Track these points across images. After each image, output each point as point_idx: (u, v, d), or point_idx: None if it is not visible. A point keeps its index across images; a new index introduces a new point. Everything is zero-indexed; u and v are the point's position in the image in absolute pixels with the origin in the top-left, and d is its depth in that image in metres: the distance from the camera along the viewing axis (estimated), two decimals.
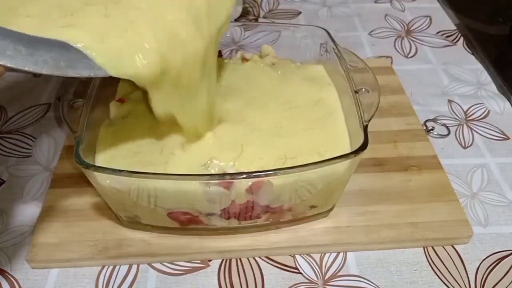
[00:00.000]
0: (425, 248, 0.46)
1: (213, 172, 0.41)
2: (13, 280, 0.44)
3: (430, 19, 0.78)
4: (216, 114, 0.44)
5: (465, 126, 0.59)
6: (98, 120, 0.46)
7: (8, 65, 0.28)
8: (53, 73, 0.30)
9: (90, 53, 0.31)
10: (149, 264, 0.45)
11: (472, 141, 0.57)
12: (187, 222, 0.44)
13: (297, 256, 0.45)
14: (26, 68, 0.29)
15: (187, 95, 0.39)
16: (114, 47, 0.32)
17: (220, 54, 0.57)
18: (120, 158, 0.43)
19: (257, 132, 0.44)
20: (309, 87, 0.51)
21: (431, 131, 0.57)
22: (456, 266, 0.45)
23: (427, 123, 0.58)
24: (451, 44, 0.73)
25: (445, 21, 0.78)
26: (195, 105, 0.40)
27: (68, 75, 0.31)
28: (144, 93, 0.38)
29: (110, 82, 0.51)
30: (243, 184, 0.39)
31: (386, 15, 0.80)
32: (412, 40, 0.74)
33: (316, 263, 0.45)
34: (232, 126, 0.44)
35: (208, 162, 0.41)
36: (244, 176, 0.38)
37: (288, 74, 0.52)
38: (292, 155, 0.42)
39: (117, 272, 0.44)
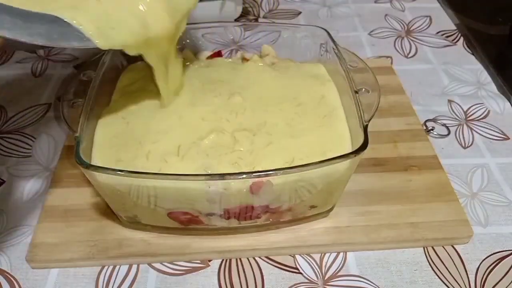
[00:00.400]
0: (425, 248, 0.46)
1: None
2: (13, 280, 0.44)
3: (430, 19, 0.78)
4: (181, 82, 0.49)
5: (465, 126, 0.59)
6: (98, 120, 0.46)
7: (7, 36, 0.31)
8: (46, 44, 0.33)
9: (78, 25, 0.35)
10: (149, 264, 0.45)
11: (472, 141, 0.57)
12: (187, 222, 0.44)
13: (297, 256, 0.45)
14: (22, 39, 0.32)
15: (166, 62, 0.44)
16: (103, 20, 0.36)
17: (220, 54, 0.57)
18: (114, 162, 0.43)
19: (268, 136, 0.44)
20: (312, 84, 0.51)
21: (431, 131, 0.57)
22: (456, 266, 0.45)
23: (427, 123, 0.58)
24: (451, 44, 0.73)
25: (445, 21, 0.78)
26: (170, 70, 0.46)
27: (60, 46, 0.35)
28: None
29: (110, 82, 0.51)
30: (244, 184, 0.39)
31: (386, 15, 0.80)
32: (412, 40, 0.74)
33: (316, 263, 0.45)
34: (244, 133, 0.45)
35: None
36: (244, 176, 0.38)
37: (289, 72, 0.52)
38: (300, 157, 0.42)
39: (117, 272, 0.44)
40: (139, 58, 0.42)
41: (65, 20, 0.34)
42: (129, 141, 0.44)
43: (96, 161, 0.42)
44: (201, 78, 0.51)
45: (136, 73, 0.53)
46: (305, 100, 0.49)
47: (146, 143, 0.44)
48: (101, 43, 0.36)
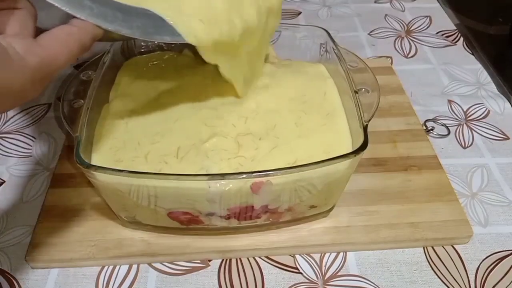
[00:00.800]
0: (425, 248, 0.46)
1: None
2: (13, 280, 0.44)
3: (430, 19, 0.78)
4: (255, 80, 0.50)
5: (465, 126, 0.59)
6: (98, 120, 0.46)
7: (109, 28, 0.32)
8: (143, 37, 0.34)
9: (173, 23, 0.36)
10: (149, 264, 0.45)
11: (472, 141, 0.57)
12: (187, 222, 0.44)
13: (297, 256, 0.45)
14: (123, 32, 0.33)
15: (229, 56, 0.44)
16: (194, 20, 0.38)
17: None
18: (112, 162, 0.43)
19: (275, 139, 0.44)
20: (314, 81, 0.51)
21: (431, 131, 0.57)
22: (456, 266, 0.45)
23: (427, 123, 0.58)
24: (451, 44, 0.73)
25: (445, 21, 0.78)
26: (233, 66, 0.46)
27: (154, 39, 0.38)
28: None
29: (110, 83, 0.51)
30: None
31: (386, 15, 0.80)
32: (412, 40, 0.74)
33: (316, 263, 0.45)
34: (249, 137, 0.45)
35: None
36: (244, 176, 0.38)
37: (292, 71, 0.52)
38: (302, 158, 0.42)
39: (117, 272, 0.44)
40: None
41: (159, 15, 0.36)
42: (127, 142, 0.44)
43: (95, 161, 0.42)
44: (207, 77, 0.51)
45: (134, 70, 0.53)
46: (310, 97, 0.49)
47: (145, 143, 0.44)
48: (192, 39, 0.37)
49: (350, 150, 0.40)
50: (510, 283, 0.43)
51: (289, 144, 0.44)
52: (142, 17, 0.35)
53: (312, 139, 0.44)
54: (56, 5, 0.30)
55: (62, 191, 0.49)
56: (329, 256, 0.45)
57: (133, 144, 0.44)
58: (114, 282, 0.44)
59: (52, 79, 0.32)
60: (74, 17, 0.31)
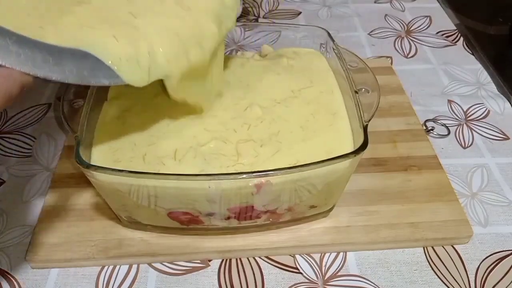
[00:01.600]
0: (425, 248, 0.46)
1: None
2: (13, 280, 0.44)
3: (430, 19, 0.78)
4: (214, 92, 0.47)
5: (465, 126, 0.59)
6: (98, 120, 0.46)
7: (39, 75, 0.29)
8: (77, 82, 0.31)
9: (111, 64, 0.33)
10: (149, 264, 0.45)
11: (472, 141, 0.57)
12: (187, 222, 0.44)
13: (297, 256, 0.45)
14: (54, 78, 0.30)
15: (198, 80, 0.42)
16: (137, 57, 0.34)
17: None
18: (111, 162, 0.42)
19: (277, 144, 0.43)
20: (320, 78, 0.51)
21: (431, 131, 0.57)
22: (456, 266, 0.45)
23: (427, 123, 0.58)
24: (451, 44, 0.73)
25: (445, 21, 0.78)
26: (203, 87, 0.43)
27: (91, 84, 0.33)
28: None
29: None
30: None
31: (386, 15, 0.80)
32: (412, 40, 0.74)
33: (316, 263, 0.45)
34: (250, 144, 0.44)
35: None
36: (244, 176, 0.38)
37: (293, 68, 0.52)
38: (304, 160, 0.41)
39: (117, 272, 0.44)
40: None
41: (94, 55, 0.32)
42: (125, 142, 0.44)
43: (94, 161, 0.42)
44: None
45: None
46: (316, 97, 0.48)
47: (141, 145, 0.43)
48: (134, 79, 0.34)
49: (351, 150, 0.40)
50: (510, 283, 0.43)
51: (292, 148, 0.43)
52: (78, 59, 0.32)
53: (315, 141, 0.44)
54: None
55: (62, 191, 0.49)
56: (329, 256, 0.45)
57: (129, 145, 0.44)
58: (114, 282, 0.44)
59: None
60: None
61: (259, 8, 0.81)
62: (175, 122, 0.46)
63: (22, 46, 0.29)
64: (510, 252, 0.46)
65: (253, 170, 0.41)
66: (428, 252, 0.46)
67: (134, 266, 0.45)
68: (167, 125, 0.45)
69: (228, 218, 0.43)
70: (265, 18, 0.79)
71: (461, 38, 0.74)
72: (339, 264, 0.45)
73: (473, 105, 0.62)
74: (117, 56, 0.33)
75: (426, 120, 0.59)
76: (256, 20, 0.78)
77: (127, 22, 0.35)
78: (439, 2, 0.83)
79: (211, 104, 0.46)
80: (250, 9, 0.81)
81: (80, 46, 0.32)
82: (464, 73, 0.67)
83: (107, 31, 0.34)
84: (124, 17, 0.36)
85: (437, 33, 0.75)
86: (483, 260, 0.45)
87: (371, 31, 0.76)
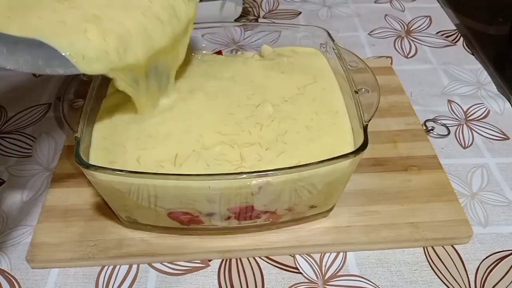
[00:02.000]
0: (425, 248, 0.46)
1: None
2: (13, 280, 0.44)
3: (430, 19, 0.78)
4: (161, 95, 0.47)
5: (465, 126, 0.59)
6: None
7: None
8: (32, 71, 0.33)
9: (66, 53, 0.34)
10: (149, 264, 0.45)
11: (472, 141, 0.57)
12: (187, 222, 0.44)
13: (297, 256, 0.45)
14: (8, 67, 0.32)
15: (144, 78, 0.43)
16: (89, 48, 0.35)
17: (220, 54, 0.57)
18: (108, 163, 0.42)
19: (283, 145, 0.43)
20: (321, 77, 0.50)
21: (431, 131, 0.57)
22: (456, 266, 0.45)
23: (427, 123, 0.58)
24: (451, 44, 0.73)
25: (445, 21, 0.78)
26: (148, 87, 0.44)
27: (45, 73, 0.34)
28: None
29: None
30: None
31: (386, 15, 0.80)
32: (412, 40, 0.74)
33: (316, 263, 0.45)
34: (254, 148, 0.43)
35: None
36: (244, 176, 0.38)
37: (294, 68, 0.52)
38: (306, 160, 0.40)
39: (117, 272, 0.44)
40: None
41: (50, 45, 0.34)
42: (115, 145, 0.43)
43: (92, 162, 0.42)
44: (214, 77, 0.50)
45: None
46: (319, 93, 0.48)
47: (131, 148, 0.42)
48: (88, 68, 0.35)
49: (351, 150, 0.40)
50: (510, 283, 0.43)
51: (297, 149, 0.43)
52: (34, 49, 0.33)
53: (319, 142, 0.43)
54: None
55: (62, 191, 0.49)
56: (329, 256, 0.45)
57: (119, 148, 0.43)
58: (114, 282, 0.44)
59: None
60: None
61: (259, 8, 0.81)
62: (180, 125, 0.45)
63: None
64: (510, 252, 0.46)
65: (253, 170, 0.41)
66: (428, 252, 0.46)
67: (134, 266, 0.45)
68: (168, 127, 0.45)
69: (228, 218, 0.43)
70: (265, 18, 0.79)
71: (461, 38, 0.74)
72: (339, 264, 0.45)
73: (473, 105, 0.62)
74: (70, 46, 0.35)
75: (426, 120, 0.59)
76: (256, 20, 0.78)
77: (84, 14, 0.37)
78: (439, 2, 0.83)
79: (153, 106, 0.46)
80: (250, 9, 0.81)
81: (35, 36, 0.33)
82: (464, 73, 0.67)
83: (59, 23, 0.35)
84: (83, 10, 0.37)
85: (437, 33, 0.75)
86: (483, 260, 0.45)
87: (371, 31, 0.76)
